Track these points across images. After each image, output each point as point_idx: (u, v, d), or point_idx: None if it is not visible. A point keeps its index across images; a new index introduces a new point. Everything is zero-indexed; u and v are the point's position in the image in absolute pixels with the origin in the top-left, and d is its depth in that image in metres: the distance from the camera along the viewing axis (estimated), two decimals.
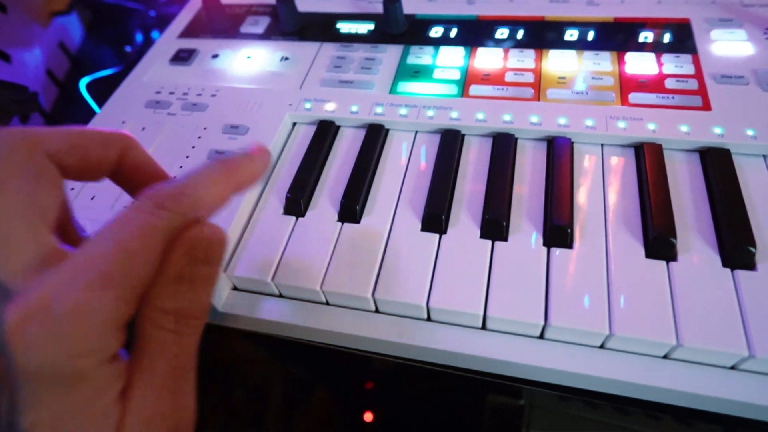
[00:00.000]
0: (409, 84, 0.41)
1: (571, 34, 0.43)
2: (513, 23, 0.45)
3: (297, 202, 0.34)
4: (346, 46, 0.46)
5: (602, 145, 0.36)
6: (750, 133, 0.34)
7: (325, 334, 0.32)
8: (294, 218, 0.34)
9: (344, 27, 0.48)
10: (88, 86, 0.56)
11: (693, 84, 0.37)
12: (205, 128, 0.40)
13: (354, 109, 0.40)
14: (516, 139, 0.37)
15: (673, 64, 0.39)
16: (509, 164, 0.35)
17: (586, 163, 0.35)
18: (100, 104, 0.45)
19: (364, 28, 0.47)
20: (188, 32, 0.51)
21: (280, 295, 0.33)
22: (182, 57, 0.48)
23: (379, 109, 0.39)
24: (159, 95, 0.44)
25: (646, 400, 0.28)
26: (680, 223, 0.31)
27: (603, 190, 0.33)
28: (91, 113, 0.45)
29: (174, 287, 0.19)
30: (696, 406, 0.27)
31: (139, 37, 0.66)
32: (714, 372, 0.27)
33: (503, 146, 0.36)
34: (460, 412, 0.46)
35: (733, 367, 0.27)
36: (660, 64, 0.39)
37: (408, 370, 0.35)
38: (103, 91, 0.52)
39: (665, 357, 0.27)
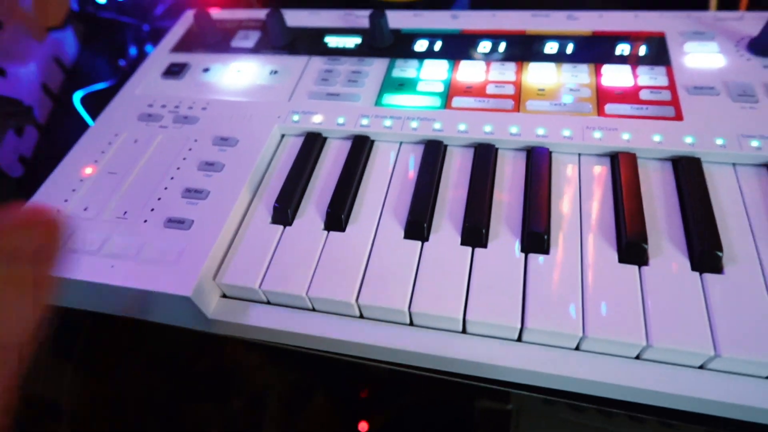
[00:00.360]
0: (394, 96, 0.42)
1: (551, 48, 0.45)
2: (495, 37, 0.47)
3: (284, 212, 0.35)
4: (334, 59, 0.47)
5: (579, 154, 0.37)
6: (719, 142, 0.35)
7: (311, 340, 0.32)
8: (282, 227, 0.35)
9: (332, 41, 0.49)
10: (83, 99, 0.57)
11: (666, 95, 0.39)
12: (195, 140, 0.41)
13: (340, 121, 0.41)
14: (496, 149, 0.38)
15: (648, 76, 0.41)
16: (489, 174, 0.36)
17: (563, 172, 0.36)
18: (94, 117, 0.46)
19: (351, 42, 0.49)
20: (180, 46, 0.52)
21: (268, 302, 0.34)
22: (174, 71, 0.49)
23: (364, 121, 0.41)
24: (151, 108, 0.45)
25: (627, 401, 0.29)
26: (652, 229, 0.32)
27: (579, 198, 0.35)
28: (85, 126, 0.46)
29: None
30: (667, 404, 0.28)
31: (133, 51, 0.67)
32: (683, 371, 0.28)
33: (484, 156, 0.37)
34: (452, 420, 0.47)
35: (701, 367, 0.28)
36: (635, 76, 0.41)
37: (401, 378, 0.36)
38: (97, 104, 0.53)
39: (637, 357, 0.28)
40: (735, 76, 0.40)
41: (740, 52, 0.42)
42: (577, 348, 0.29)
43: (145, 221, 0.35)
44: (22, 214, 0.14)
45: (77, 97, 0.57)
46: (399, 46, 0.47)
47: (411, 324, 0.31)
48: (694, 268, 0.30)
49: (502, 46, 0.46)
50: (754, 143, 0.34)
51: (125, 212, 0.36)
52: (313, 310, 0.33)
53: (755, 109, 0.37)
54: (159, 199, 0.37)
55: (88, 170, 0.40)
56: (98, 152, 0.41)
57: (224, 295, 0.34)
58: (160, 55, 0.51)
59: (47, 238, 0.14)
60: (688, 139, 0.35)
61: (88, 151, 0.42)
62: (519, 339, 0.30)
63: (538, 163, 0.36)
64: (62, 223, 0.14)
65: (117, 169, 0.40)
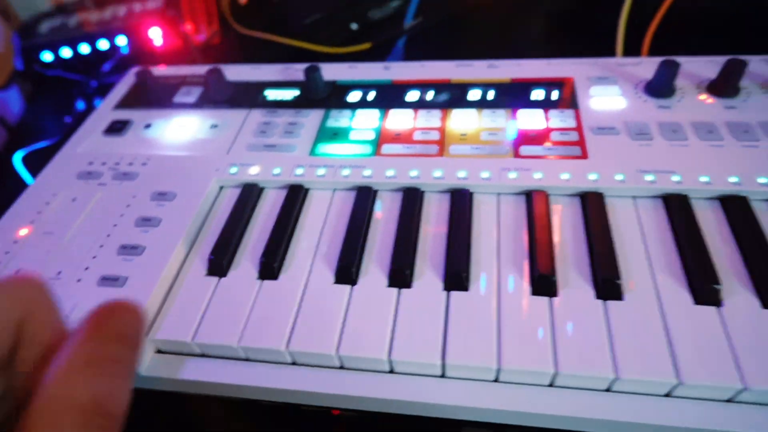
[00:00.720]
0: (328, 146, 0.45)
1: (474, 95, 0.48)
2: (423, 86, 0.50)
3: (219, 264, 0.36)
4: (272, 111, 0.50)
5: (498, 194, 0.40)
6: (620, 177, 0.39)
7: (247, 390, 0.33)
8: (217, 278, 0.36)
9: (271, 94, 0.52)
10: (26, 158, 0.57)
11: (574, 136, 0.43)
12: (134, 196, 0.42)
13: (276, 171, 0.43)
14: (422, 192, 0.41)
15: (558, 119, 0.44)
16: (415, 217, 0.38)
17: (483, 211, 0.39)
18: (36, 176, 0.46)
19: (289, 94, 0.52)
20: (123, 103, 0.54)
21: (203, 355, 0.34)
22: (116, 128, 0.50)
23: (299, 171, 0.43)
24: (91, 166, 0.46)
25: (544, 427, 0.31)
26: (561, 261, 0.34)
27: (497, 235, 0.37)
28: (25, 186, 0.46)
29: (85, 373, 0.16)
30: (579, 428, 0.30)
31: (81, 106, 0.68)
32: (592, 395, 0.30)
33: (410, 201, 0.39)
34: None
35: (608, 389, 0.30)
36: (547, 119, 0.45)
37: (364, 424, 0.36)
38: (40, 162, 0.53)
39: (550, 385, 0.30)
40: (633, 116, 0.44)
41: (638, 94, 0.46)
42: (496, 380, 0.31)
43: (79, 281, 0.36)
44: (124, 304, 0.19)
45: (18, 157, 0.57)
46: (334, 97, 0.50)
47: (342, 368, 0.32)
48: (597, 296, 0.32)
49: (429, 95, 0.49)
50: (649, 177, 0.38)
51: (59, 272, 0.37)
52: (247, 360, 0.33)
53: (650, 146, 0.41)
54: (94, 257, 0.37)
55: (23, 231, 0.40)
56: (34, 212, 0.42)
57: (159, 351, 0.35)
58: (103, 113, 0.53)
59: (140, 325, 0.19)
60: (593, 176, 0.39)
61: (25, 212, 0.42)
62: (443, 375, 0.31)
63: (459, 205, 0.38)
64: (145, 314, 0.20)
65: (53, 229, 0.40)
